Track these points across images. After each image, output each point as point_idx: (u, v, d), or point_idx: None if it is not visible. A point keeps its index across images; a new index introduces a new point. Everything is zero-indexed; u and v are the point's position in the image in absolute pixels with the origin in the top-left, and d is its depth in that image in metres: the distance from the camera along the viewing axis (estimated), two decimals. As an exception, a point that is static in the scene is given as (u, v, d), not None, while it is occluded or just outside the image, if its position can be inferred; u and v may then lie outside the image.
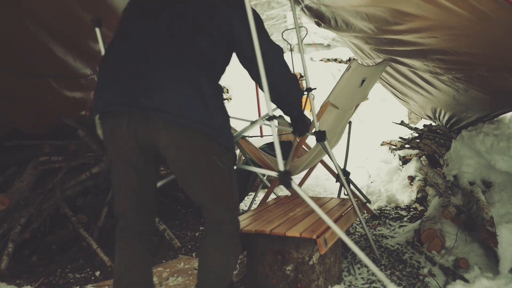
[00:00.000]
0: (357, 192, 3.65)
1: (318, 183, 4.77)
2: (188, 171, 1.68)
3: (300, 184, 3.83)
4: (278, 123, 3.92)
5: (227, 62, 1.81)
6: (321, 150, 3.12)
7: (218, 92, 1.68)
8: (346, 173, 3.33)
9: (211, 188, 1.72)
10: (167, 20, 1.66)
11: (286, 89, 1.90)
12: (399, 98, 4.72)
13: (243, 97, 11.10)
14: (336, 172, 3.39)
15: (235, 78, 11.94)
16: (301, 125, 2.10)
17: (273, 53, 1.81)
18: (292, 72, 1.90)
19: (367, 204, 3.69)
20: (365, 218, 3.57)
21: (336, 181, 3.47)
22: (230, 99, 11.61)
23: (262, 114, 6.61)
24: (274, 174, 1.92)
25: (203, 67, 1.62)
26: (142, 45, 1.63)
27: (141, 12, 1.74)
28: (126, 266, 1.82)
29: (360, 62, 3.12)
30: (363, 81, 2.97)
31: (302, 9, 3.40)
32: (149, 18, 1.68)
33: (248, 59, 1.80)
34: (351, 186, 3.48)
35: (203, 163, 1.66)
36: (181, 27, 1.65)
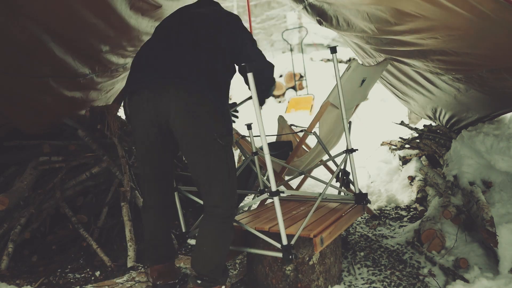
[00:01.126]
0: (353, 189, 3.64)
1: (318, 183, 4.76)
2: (192, 145, 1.93)
3: (300, 184, 3.83)
4: (279, 123, 3.93)
5: (232, 68, 2.14)
6: (321, 150, 3.12)
7: (226, 87, 2.03)
8: (346, 173, 3.33)
9: (210, 166, 1.93)
10: (187, 33, 2.05)
11: (267, 85, 2.16)
12: (399, 97, 4.72)
13: (243, 97, 11.10)
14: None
15: (235, 78, 11.97)
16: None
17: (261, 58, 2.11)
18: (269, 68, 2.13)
19: (367, 204, 3.68)
20: (365, 218, 3.57)
21: (336, 181, 3.47)
22: (230, 99, 11.62)
23: (263, 113, 6.60)
24: (265, 196, 2.13)
25: (215, 63, 1.97)
26: (168, 45, 2.02)
27: (169, 27, 2.15)
28: (153, 229, 2.17)
29: (360, 62, 3.12)
30: (363, 81, 2.97)
31: (304, 7, 3.40)
32: (174, 31, 2.09)
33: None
34: (351, 186, 3.47)
35: (205, 138, 1.90)
36: (197, 38, 2.03)
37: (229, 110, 2.01)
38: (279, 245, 1.94)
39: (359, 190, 2.50)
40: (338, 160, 2.80)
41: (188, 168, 2.04)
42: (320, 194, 2.33)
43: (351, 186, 3.46)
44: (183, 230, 2.34)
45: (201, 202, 2.12)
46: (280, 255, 1.95)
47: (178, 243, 2.84)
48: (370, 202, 2.49)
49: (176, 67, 1.93)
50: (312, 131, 2.95)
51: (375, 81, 3.31)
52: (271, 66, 2.10)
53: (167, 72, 1.93)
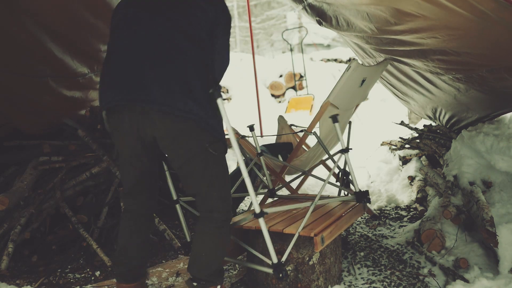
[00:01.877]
0: (353, 189, 3.64)
1: (318, 183, 4.76)
2: (183, 159, 1.89)
3: (300, 184, 3.83)
4: (279, 123, 3.93)
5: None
6: (321, 150, 3.12)
7: (204, 88, 1.86)
8: (346, 173, 3.33)
9: (205, 175, 1.90)
10: (160, 28, 1.88)
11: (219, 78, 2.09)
12: (399, 97, 4.72)
13: (243, 97, 11.11)
14: (336, 172, 3.39)
15: (235, 78, 11.96)
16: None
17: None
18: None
19: (367, 204, 3.68)
20: (365, 218, 3.57)
21: (336, 181, 3.47)
22: (230, 99, 11.62)
23: (263, 113, 6.61)
24: (251, 216, 2.10)
25: (192, 66, 1.84)
26: (139, 49, 1.86)
27: (134, 18, 1.94)
28: (126, 242, 2.09)
29: (360, 62, 3.12)
30: (363, 81, 2.97)
31: (304, 7, 3.40)
32: (143, 25, 1.90)
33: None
34: (351, 186, 3.48)
35: (196, 150, 1.87)
36: (172, 33, 1.87)
37: (215, 113, 1.87)
38: (269, 262, 1.93)
39: (359, 188, 2.50)
40: (335, 159, 2.79)
41: (180, 178, 2.00)
42: (319, 192, 2.33)
43: (351, 186, 3.46)
44: (188, 240, 2.31)
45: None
46: (270, 271, 1.94)
47: (184, 252, 2.82)
48: (370, 202, 2.49)
49: (150, 84, 1.80)
50: (312, 131, 2.95)
51: (375, 81, 3.31)
52: (228, 63, 2.08)
53: (148, 89, 1.80)
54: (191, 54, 1.86)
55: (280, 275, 1.88)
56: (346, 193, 3.48)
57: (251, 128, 2.94)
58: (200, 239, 1.97)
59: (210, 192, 1.93)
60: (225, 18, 2.00)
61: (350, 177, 2.63)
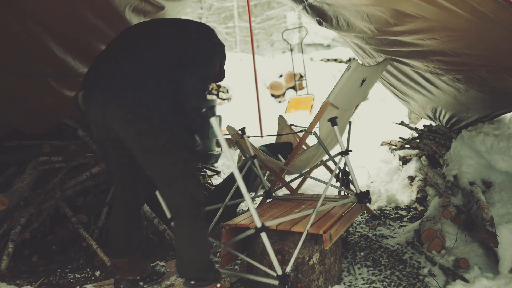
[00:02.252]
0: (354, 190, 3.65)
1: (318, 183, 4.76)
2: (142, 154, 1.95)
3: (300, 184, 3.83)
4: (279, 123, 3.93)
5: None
6: (321, 150, 3.12)
7: (168, 87, 1.93)
8: (346, 173, 3.33)
9: (164, 171, 1.94)
10: (145, 40, 2.07)
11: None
12: (399, 97, 4.72)
13: (243, 97, 11.10)
14: (336, 172, 3.39)
15: (235, 79, 11.95)
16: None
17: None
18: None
19: (367, 204, 3.69)
20: (365, 218, 3.57)
21: (336, 181, 3.47)
22: (230, 99, 11.62)
23: (263, 113, 6.61)
24: (252, 231, 2.08)
25: (155, 70, 1.93)
26: (120, 48, 2.06)
27: (125, 37, 2.14)
28: (112, 225, 2.25)
29: (360, 62, 3.11)
30: (363, 81, 2.97)
31: (304, 7, 3.40)
32: (131, 37, 2.12)
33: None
34: (351, 186, 3.48)
35: (151, 146, 1.91)
36: (145, 45, 2.03)
37: (171, 110, 1.92)
38: (274, 274, 1.95)
39: (360, 189, 2.50)
40: (336, 160, 2.80)
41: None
42: (322, 194, 2.33)
43: (351, 186, 3.46)
44: None
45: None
46: (276, 283, 1.96)
47: None
48: (370, 202, 2.49)
49: (117, 78, 1.94)
50: (312, 131, 2.95)
51: (375, 81, 3.31)
52: (197, 97, 1.98)
53: (109, 82, 1.94)
54: (158, 62, 1.96)
55: (286, 286, 1.91)
56: (346, 193, 3.48)
57: (243, 131, 2.95)
58: (177, 240, 2.01)
59: (171, 192, 1.97)
60: (199, 52, 2.03)
61: (350, 177, 2.64)
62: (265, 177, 3.62)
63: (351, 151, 2.61)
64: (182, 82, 1.92)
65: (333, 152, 3.22)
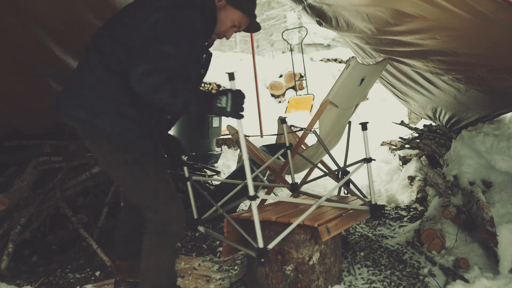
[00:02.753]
0: (357, 192, 3.65)
1: (318, 183, 4.75)
2: (107, 169, 1.92)
3: (301, 185, 3.82)
4: (279, 124, 3.92)
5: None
6: (322, 151, 3.12)
7: (118, 97, 1.76)
8: (346, 173, 3.32)
9: (127, 186, 1.89)
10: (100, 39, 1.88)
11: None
12: (399, 97, 4.72)
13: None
14: (336, 173, 3.39)
15: (235, 78, 11.95)
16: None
17: None
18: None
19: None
20: (365, 218, 3.57)
21: (336, 178, 3.47)
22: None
23: (263, 113, 6.61)
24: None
25: (102, 79, 1.76)
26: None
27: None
28: (117, 229, 2.22)
29: (359, 61, 3.11)
30: (362, 80, 2.96)
31: (304, 8, 3.40)
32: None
33: None
34: (351, 185, 3.47)
35: (111, 162, 1.83)
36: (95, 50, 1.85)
37: (112, 117, 1.76)
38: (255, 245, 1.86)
39: (375, 201, 2.38)
40: (351, 168, 2.75)
41: None
42: (330, 191, 2.34)
43: (351, 186, 3.46)
44: (195, 217, 2.35)
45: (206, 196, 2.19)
46: (253, 254, 1.88)
47: (190, 228, 2.81)
48: (384, 216, 2.38)
49: (65, 92, 1.84)
50: (312, 130, 2.95)
51: (374, 81, 3.31)
52: (153, 88, 1.68)
53: (61, 98, 1.83)
54: (98, 65, 1.78)
55: (262, 259, 1.80)
56: (345, 192, 3.47)
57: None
58: (143, 252, 1.90)
59: (141, 204, 1.90)
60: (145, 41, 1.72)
61: (369, 187, 2.54)
62: (265, 177, 3.62)
63: (374, 159, 2.53)
64: (130, 72, 1.68)
65: (333, 151, 3.22)
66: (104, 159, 1.87)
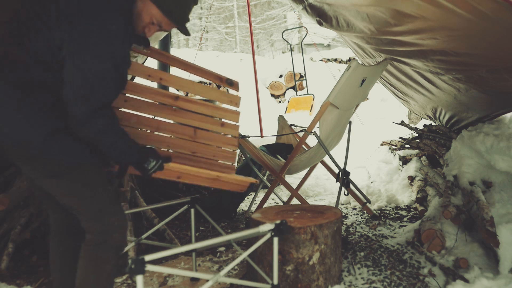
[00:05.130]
0: (357, 192, 3.66)
1: (318, 183, 4.77)
2: (40, 183, 1.69)
3: (300, 184, 3.83)
4: (279, 123, 3.93)
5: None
6: (322, 152, 3.12)
7: (37, 108, 1.56)
8: (346, 173, 3.33)
9: (63, 198, 1.69)
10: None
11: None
12: (399, 97, 4.72)
13: (243, 97, 11.09)
14: (336, 172, 3.39)
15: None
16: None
17: None
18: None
19: (367, 204, 3.69)
20: (365, 218, 3.57)
21: (336, 181, 3.48)
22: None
23: (263, 113, 6.62)
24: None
25: (19, 92, 1.55)
26: None
27: None
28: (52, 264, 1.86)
29: (360, 62, 3.12)
30: (363, 81, 2.97)
31: (304, 7, 3.40)
32: None
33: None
34: (351, 186, 3.48)
35: (42, 176, 1.64)
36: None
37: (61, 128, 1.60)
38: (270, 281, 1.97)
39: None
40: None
41: None
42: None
43: (351, 187, 3.46)
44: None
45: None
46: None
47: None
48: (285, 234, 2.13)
49: None
50: (312, 131, 2.95)
51: (375, 81, 3.32)
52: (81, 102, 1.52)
53: None
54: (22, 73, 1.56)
55: None
56: (346, 192, 3.48)
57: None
58: (78, 267, 1.72)
59: (78, 215, 1.71)
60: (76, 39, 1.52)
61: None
62: (265, 177, 3.62)
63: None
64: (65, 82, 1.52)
65: (333, 152, 3.22)
66: (31, 173, 1.68)
